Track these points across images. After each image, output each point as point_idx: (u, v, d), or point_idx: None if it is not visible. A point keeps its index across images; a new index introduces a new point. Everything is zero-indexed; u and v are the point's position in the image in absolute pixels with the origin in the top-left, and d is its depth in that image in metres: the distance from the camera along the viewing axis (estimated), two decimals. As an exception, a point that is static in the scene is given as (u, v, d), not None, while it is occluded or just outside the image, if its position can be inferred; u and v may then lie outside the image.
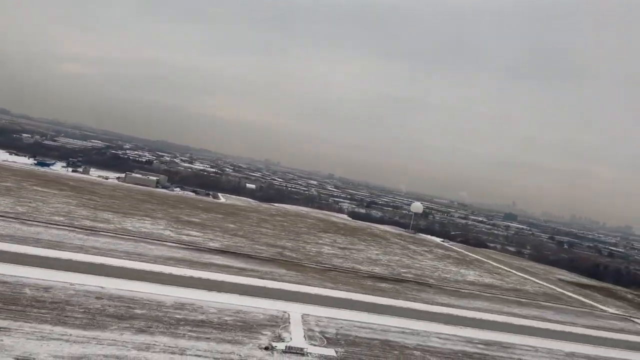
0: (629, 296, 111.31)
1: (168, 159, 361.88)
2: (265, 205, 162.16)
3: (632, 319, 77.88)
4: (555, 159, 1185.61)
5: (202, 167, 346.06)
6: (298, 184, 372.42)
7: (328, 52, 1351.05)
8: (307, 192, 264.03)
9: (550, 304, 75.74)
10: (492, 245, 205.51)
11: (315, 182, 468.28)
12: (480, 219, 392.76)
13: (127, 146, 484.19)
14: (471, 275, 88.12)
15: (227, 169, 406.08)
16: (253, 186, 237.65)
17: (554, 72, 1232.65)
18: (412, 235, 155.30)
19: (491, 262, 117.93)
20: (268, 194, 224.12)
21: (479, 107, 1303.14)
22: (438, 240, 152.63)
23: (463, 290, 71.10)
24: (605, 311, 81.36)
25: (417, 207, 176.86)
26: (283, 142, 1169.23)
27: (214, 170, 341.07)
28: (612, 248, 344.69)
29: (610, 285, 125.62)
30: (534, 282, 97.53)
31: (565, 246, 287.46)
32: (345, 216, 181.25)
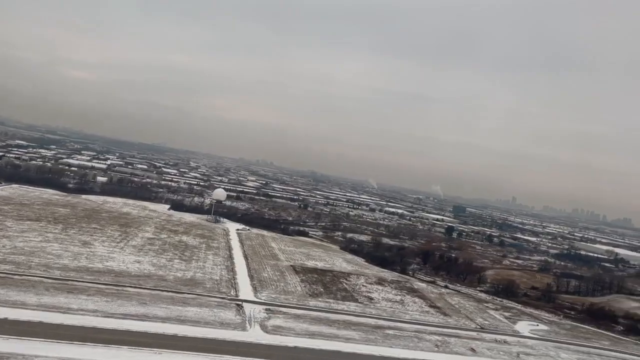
0: (369, 281, 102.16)
1: (65, 157, 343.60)
2: (65, 196, 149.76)
3: (237, 304, 69.21)
4: (559, 153, 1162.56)
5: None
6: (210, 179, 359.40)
7: (326, 51, 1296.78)
8: (176, 186, 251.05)
9: (154, 291, 66.98)
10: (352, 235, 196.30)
11: (244, 177, 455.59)
12: (400, 211, 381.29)
13: (53, 146, 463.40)
14: (123, 263, 78.88)
15: (143, 166, 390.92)
16: (104, 179, 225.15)
17: (558, 65, 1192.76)
18: (211, 222, 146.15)
19: (251, 251, 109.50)
20: (122, 187, 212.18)
21: (482, 102, 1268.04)
22: (239, 226, 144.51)
23: (16, 277, 61.72)
24: (238, 298, 73.01)
25: (219, 194, 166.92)
26: (281, 144, 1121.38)
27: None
28: (526, 237, 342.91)
29: (386, 275, 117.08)
30: (240, 269, 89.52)
31: (454, 235, 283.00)
32: (166, 207, 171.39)
